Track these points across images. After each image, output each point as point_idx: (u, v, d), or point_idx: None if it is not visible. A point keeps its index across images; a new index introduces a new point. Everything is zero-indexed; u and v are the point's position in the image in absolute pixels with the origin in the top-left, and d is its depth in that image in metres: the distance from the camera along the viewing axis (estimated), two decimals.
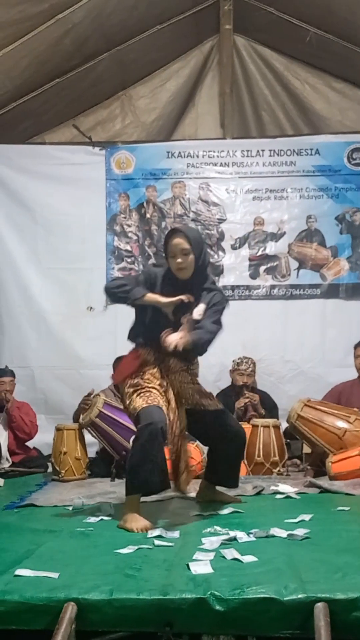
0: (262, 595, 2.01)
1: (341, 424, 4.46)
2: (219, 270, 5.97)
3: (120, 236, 6.06)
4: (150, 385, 3.27)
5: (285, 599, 1.99)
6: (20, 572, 2.26)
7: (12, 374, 5.32)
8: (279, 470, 4.53)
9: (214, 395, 3.69)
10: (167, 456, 3.23)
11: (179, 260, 3.25)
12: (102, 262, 6.02)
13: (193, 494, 3.75)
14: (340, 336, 5.78)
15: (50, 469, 4.86)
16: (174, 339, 3.10)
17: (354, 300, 5.92)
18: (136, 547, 2.62)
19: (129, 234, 6.06)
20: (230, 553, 2.46)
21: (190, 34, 6.05)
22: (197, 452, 4.49)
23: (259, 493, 3.87)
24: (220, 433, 3.43)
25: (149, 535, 2.84)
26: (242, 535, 2.74)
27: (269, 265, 6.00)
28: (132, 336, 3.43)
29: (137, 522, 3.00)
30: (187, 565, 2.31)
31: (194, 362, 3.45)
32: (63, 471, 4.59)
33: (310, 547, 2.63)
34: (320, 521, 3.09)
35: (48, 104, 5.91)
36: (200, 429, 3.51)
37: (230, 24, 5.93)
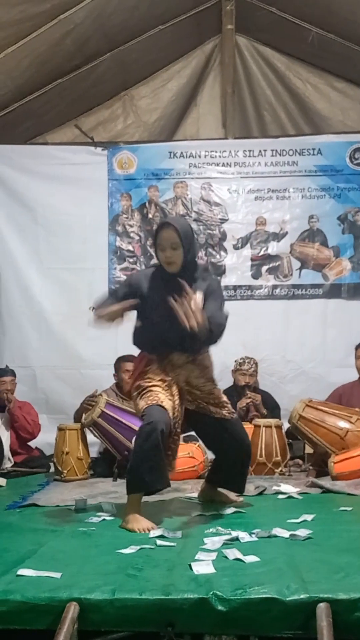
0: (264, 596, 2.01)
1: (343, 424, 4.46)
2: (221, 271, 5.97)
3: (122, 236, 6.06)
4: (150, 385, 3.26)
5: (287, 599, 1.99)
6: (22, 571, 2.26)
7: (13, 374, 5.30)
8: (281, 471, 4.53)
9: None
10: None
11: (168, 254, 3.23)
12: (103, 262, 6.02)
13: (195, 494, 3.76)
14: (342, 336, 5.77)
15: (52, 469, 4.86)
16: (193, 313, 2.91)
17: (355, 300, 5.91)
18: (138, 547, 2.62)
19: (131, 234, 6.06)
20: (233, 553, 2.46)
21: (192, 34, 6.05)
22: (199, 452, 4.50)
23: (261, 493, 3.87)
24: (222, 442, 3.42)
25: (151, 535, 2.84)
26: (244, 536, 2.74)
27: (271, 265, 6.00)
28: (136, 340, 3.42)
29: (138, 522, 3.00)
30: (189, 566, 2.31)
31: (202, 353, 3.38)
32: (65, 471, 4.59)
33: (312, 547, 2.63)
34: (322, 521, 3.09)
35: (49, 104, 5.91)
36: (204, 432, 3.51)
37: (233, 24, 5.93)
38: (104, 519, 3.23)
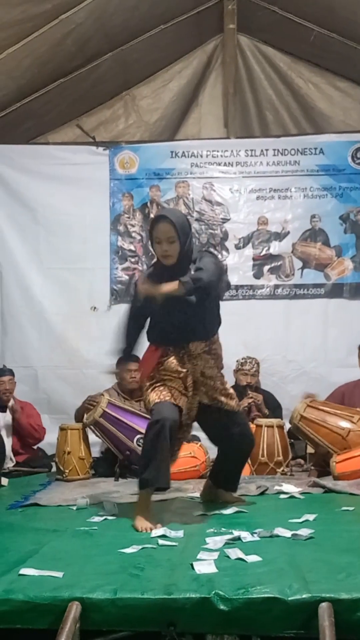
0: (266, 595, 2.01)
1: (345, 424, 4.45)
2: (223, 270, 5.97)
3: (124, 236, 6.06)
4: (166, 377, 3.27)
5: (289, 598, 1.98)
6: (24, 571, 2.26)
7: (12, 373, 5.24)
8: (282, 470, 4.53)
9: None
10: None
11: (165, 247, 3.24)
12: (104, 262, 6.02)
13: (197, 494, 3.76)
14: (344, 336, 5.77)
15: (54, 469, 4.86)
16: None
17: (357, 300, 5.91)
18: (140, 547, 2.62)
19: (133, 234, 6.07)
20: (235, 553, 2.45)
21: (193, 34, 6.05)
22: (200, 452, 4.50)
23: (262, 493, 3.87)
24: (228, 434, 3.42)
25: (152, 535, 2.84)
26: (246, 535, 2.74)
27: (272, 264, 6.00)
28: (151, 337, 3.43)
29: (141, 522, 3.00)
30: (191, 565, 2.31)
31: (214, 341, 3.39)
32: (67, 471, 4.59)
33: (314, 547, 2.63)
34: (324, 521, 3.08)
35: (51, 104, 5.92)
36: (211, 423, 3.50)
37: (234, 24, 5.92)
38: (105, 519, 3.23)
